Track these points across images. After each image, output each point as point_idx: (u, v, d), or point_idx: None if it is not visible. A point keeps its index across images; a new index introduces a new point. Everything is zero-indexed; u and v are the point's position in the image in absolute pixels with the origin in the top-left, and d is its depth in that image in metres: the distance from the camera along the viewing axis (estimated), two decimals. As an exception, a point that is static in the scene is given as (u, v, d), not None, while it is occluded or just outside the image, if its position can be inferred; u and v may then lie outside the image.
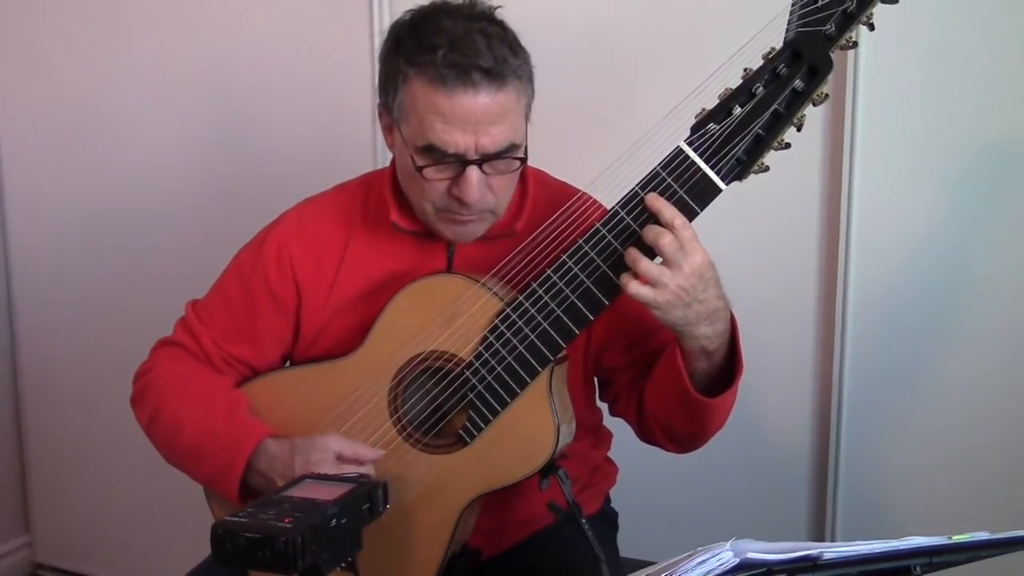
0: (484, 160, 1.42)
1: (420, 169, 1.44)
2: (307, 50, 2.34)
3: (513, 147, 1.44)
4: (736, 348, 1.46)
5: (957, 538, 1.03)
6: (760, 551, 0.99)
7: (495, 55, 1.38)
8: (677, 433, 1.54)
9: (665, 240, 1.34)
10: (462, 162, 1.42)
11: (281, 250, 1.59)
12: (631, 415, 1.60)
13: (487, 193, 1.45)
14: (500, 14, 1.46)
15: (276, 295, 1.59)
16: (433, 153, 1.42)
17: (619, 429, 1.77)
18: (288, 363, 1.66)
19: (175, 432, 1.55)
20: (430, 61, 1.38)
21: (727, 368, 1.47)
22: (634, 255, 1.36)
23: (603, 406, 1.71)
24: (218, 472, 1.51)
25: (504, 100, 1.40)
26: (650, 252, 1.36)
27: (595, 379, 1.67)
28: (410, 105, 1.43)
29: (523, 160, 1.47)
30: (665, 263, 1.36)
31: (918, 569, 1.02)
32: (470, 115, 1.38)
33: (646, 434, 1.60)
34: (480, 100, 1.38)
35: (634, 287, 1.35)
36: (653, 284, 1.35)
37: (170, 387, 1.58)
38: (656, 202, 1.36)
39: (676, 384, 1.45)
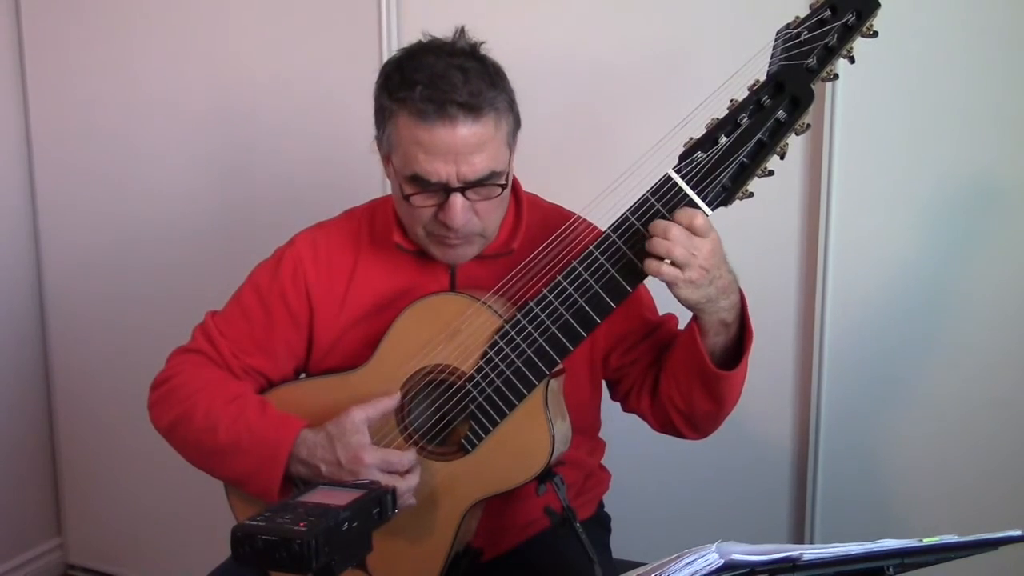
0: (467, 187, 1.43)
1: (408, 197, 1.45)
2: (321, 87, 2.34)
3: (494, 174, 1.44)
4: (745, 318, 1.46)
5: (927, 540, 1.03)
6: (744, 552, 1.00)
7: (471, 89, 1.39)
8: (696, 416, 1.53)
9: (674, 231, 1.33)
10: (446, 190, 1.43)
11: (296, 269, 1.60)
12: (645, 407, 1.59)
13: (472, 217, 1.46)
14: (488, 49, 1.47)
15: (292, 310, 1.60)
16: (418, 182, 1.43)
17: (613, 437, 1.77)
18: (303, 375, 1.66)
19: (209, 431, 1.53)
20: (410, 97, 1.40)
21: (737, 343, 1.47)
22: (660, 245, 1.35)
23: (614, 406, 1.68)
24: (259, 465, 1.50)
25: (482, 131, 1.40)
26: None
27: (602, 383, 1.66)
28: (397, 138, 1.44)
29: (504, 186, 1.47)
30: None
31: (891, 569, 1.02)
32: (450, 146, 1.39)
33: (662, 423, 1.59)
34: (459, 132, 1.39)
35: (663, 268, 1.34)
36: (681, 267, 1.34)
37: (200, 391, 1.56)
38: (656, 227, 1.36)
39: (696, 363, 1.45)
